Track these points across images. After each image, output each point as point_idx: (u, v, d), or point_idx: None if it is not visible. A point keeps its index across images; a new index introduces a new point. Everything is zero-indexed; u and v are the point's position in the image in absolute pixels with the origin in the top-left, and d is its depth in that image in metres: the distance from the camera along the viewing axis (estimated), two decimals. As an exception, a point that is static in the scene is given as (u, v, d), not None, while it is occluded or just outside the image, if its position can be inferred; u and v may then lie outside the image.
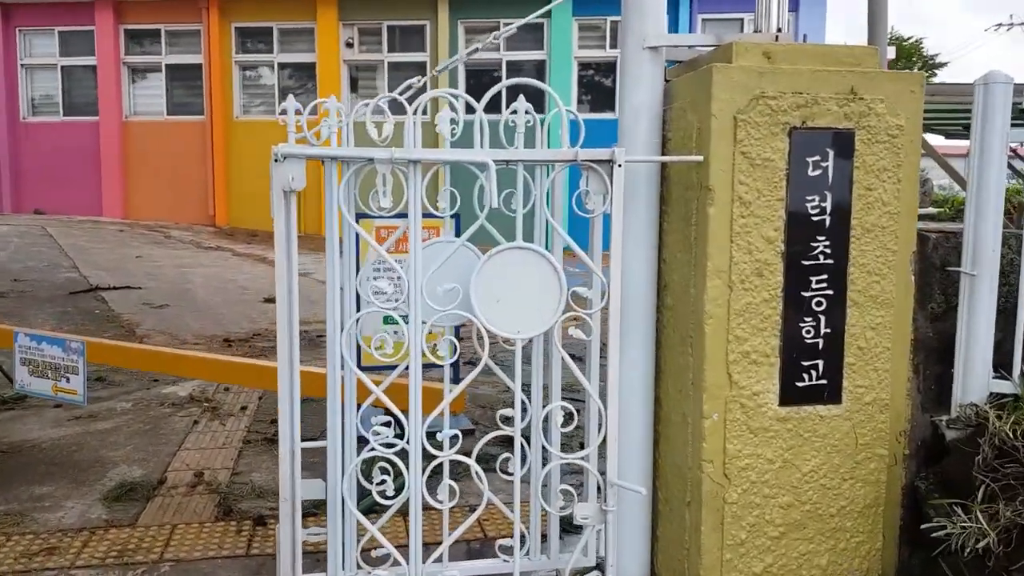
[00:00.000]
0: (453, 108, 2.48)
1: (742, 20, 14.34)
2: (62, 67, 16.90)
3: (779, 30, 2.53)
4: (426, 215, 2.61)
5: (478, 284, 2.50)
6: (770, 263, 2.42)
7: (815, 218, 2.43)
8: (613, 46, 15.06)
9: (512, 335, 2.55)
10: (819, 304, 2.49)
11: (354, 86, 16.22)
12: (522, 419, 2.59)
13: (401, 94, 2.58)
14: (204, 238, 14.27)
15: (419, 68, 15.52)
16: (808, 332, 2.51)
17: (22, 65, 16.98)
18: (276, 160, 2.44)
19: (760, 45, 2.37)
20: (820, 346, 2.52)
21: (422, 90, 2.61)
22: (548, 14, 14.99)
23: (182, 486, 3.90)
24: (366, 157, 2.44)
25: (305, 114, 2.50)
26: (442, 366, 2.58)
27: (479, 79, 15.41)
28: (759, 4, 2.58)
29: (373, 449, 2.65)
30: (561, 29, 15.11)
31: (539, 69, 15.45)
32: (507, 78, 14.83)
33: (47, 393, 4.69)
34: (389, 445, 2.66)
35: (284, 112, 2.49)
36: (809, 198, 2.41)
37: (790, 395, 2.54)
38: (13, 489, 3.83)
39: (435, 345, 2.61)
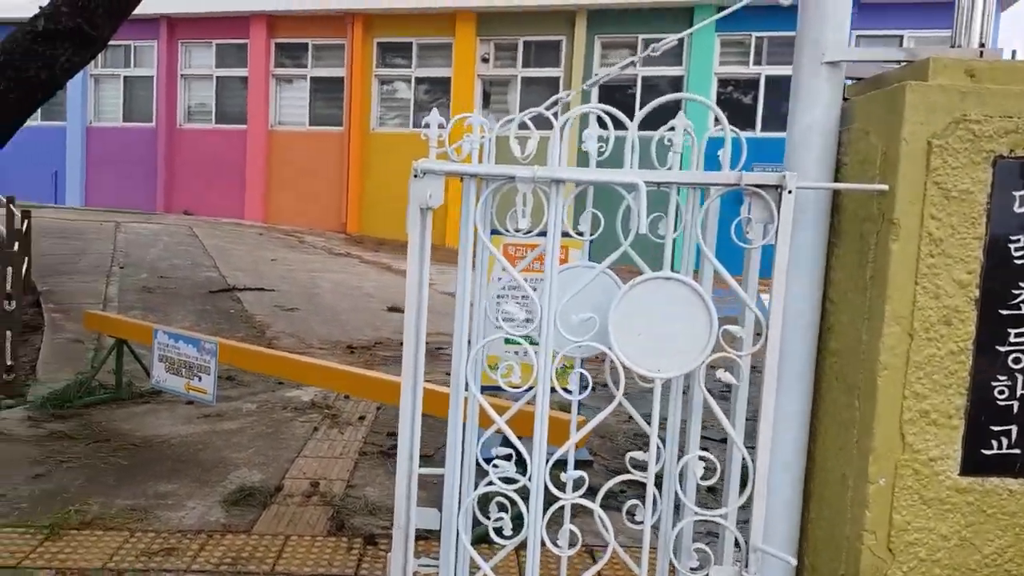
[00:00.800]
0: (603, 124, 2.30)
1: (901, 37, 13.45)
2: (217, 77, 18.02)
3: (982, 45, 2.19)
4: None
5: (617, 315, 2.29)
6: (961, 310, 2.09)
7: (1018, 261, 2.08)
8: (757, 62, 14.51)
9: (652, 373, 2.33)
10: (1017, 361, 2.13)
11: (486, 101, 16.41)
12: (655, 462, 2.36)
13: (548, 109, 2.42)
14: (335, 244, 14.76)
15: (552, 84, 15.52)
16: (1002, 392, 2.15)
17: (181, 75, 18.24)
18: (416, 176, 2.32)
19: (962, 62, 2.06)
20: (1015, 409, 2.15)
21: (568, 106, 2.44)
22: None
23: (298, 495, 3.88)
24: (507, 175, 2.29)
25: (447, 128, 2.39)
26: (562, 391, 2.39)
27: (612, 96, 15.22)
28: (958, 15, 2.25)
29: (491, 483, 2.49)
30: (702, 45, 14.67)
31: (675, 86, 15.08)
32: (643, 95, 14.64)
33: (180, 390, 4.84)
34: (508, 480, 2.49)
35: (426, 125, 2.38)
36: (1014, 238, 2.07)
37: (974, 464, 2.19)
38: (140, 484, 3.93)
39: (560, 369, 2.43)
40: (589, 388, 2.49)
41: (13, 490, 3.77)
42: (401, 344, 7.54)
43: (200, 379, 4.77)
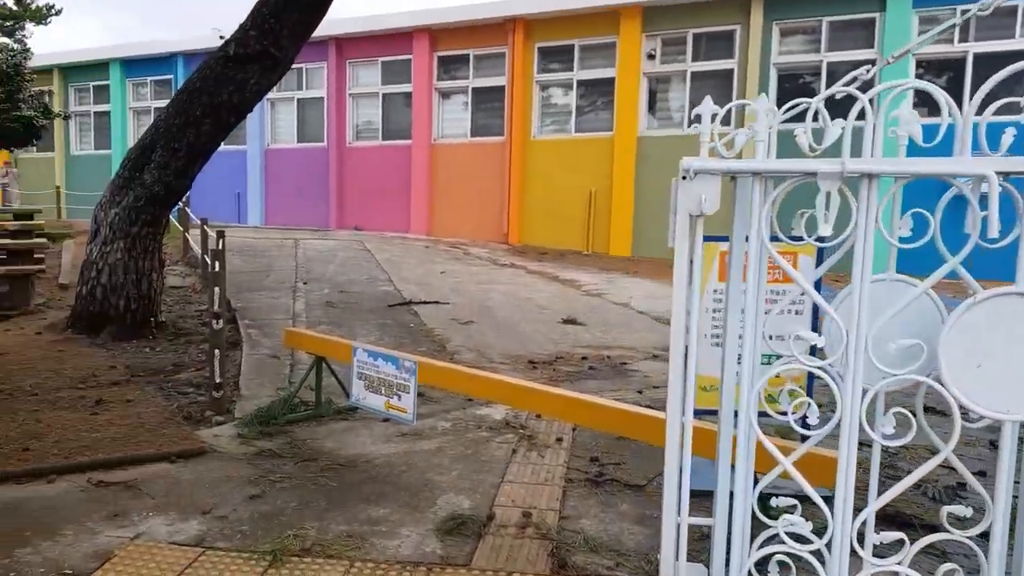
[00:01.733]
0: (930, 104, 1.84)
1: None
2: (383, 95, 18.62)
3: None
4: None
5: (952, 341, 1.83)
6: None
7: None
8: (963, 39, 13.06)
9: (999, 415, 1.85)
10: None
11: (652, 100, 15.86)
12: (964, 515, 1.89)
13: (841, 89, 2.00)
14: (499, 255, 14.76)
15: (725, 77, 14.76)
16: None
17: (350, 94, 19.00)
18: (685, 177, 1.97)
19: None
20: None
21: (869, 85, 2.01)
22: (882, 7, 13.42)
23: (511, 525, 3.63)
24: (805, 171, 1.89)
25: (718, 119, 2.02)
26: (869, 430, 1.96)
27: (789, 83, 14.21)
28: None
29: (774, 538, 2.10)
30: (897, 24, 13.36)
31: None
32: (827, 82, 13.54)
33: (380, 409, 4.76)
34: (798, 537, 2.09)
35: (696, 119, 2.02)
36: None
37: None
38: (351, 508, 3.82)
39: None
40: (911, 430, 2.04)
41: (233, 511, 3.77)
42: (583, 359, 7.21)
43: (400, 398, 4.66)
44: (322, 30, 17.97)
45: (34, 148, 22.57)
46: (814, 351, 2.04)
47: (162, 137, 7.75)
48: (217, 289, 5.30)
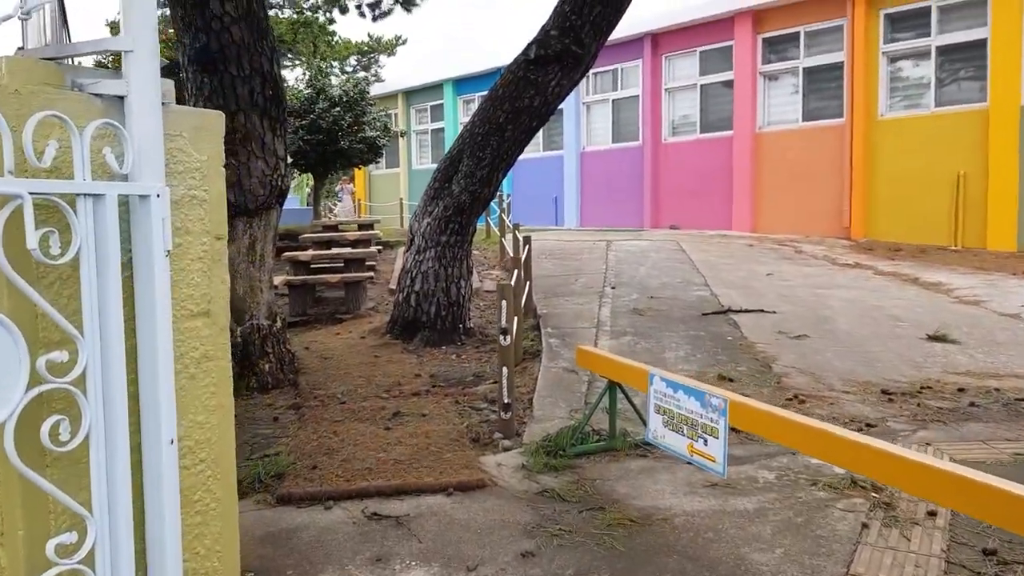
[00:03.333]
0: None
1: None
2: (700, 86, 17.48)
3: None
4: None
5: None
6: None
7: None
8: None
9: None
10: None
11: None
12: None
13: None
14: (838, 253, 12.81)
15: None
16: None
17: (665, 89, 18.15)
18: None
19: None
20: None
21: None
22: None
23: (864, 656, 2.50)
24: None
25: None
26: None
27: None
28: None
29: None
30: None
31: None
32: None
33: (681, 452, 3.85)
34: None
35: None
36: None
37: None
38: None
39: None
40: None
41: (500, 572, 3.15)
42: (959, 391, 5.19)
43: (706, 442, 3.70)
44: (636, 27, 17.59)
45: (381, 165, 25.35)
46: None
47: (468, 147, 7.66)
48: (505, 302, 4.79)
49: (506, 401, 4.84)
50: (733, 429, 3.68)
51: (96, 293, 2.00)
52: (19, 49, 2.21)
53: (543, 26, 7.39)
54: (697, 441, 3.74)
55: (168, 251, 2.19)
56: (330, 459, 4.45)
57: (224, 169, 2.55)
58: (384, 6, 14.81)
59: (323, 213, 20.91)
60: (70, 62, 2.25)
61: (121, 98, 2.15)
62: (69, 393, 1.94)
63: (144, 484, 2.24)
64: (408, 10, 14.41)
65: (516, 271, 6.31)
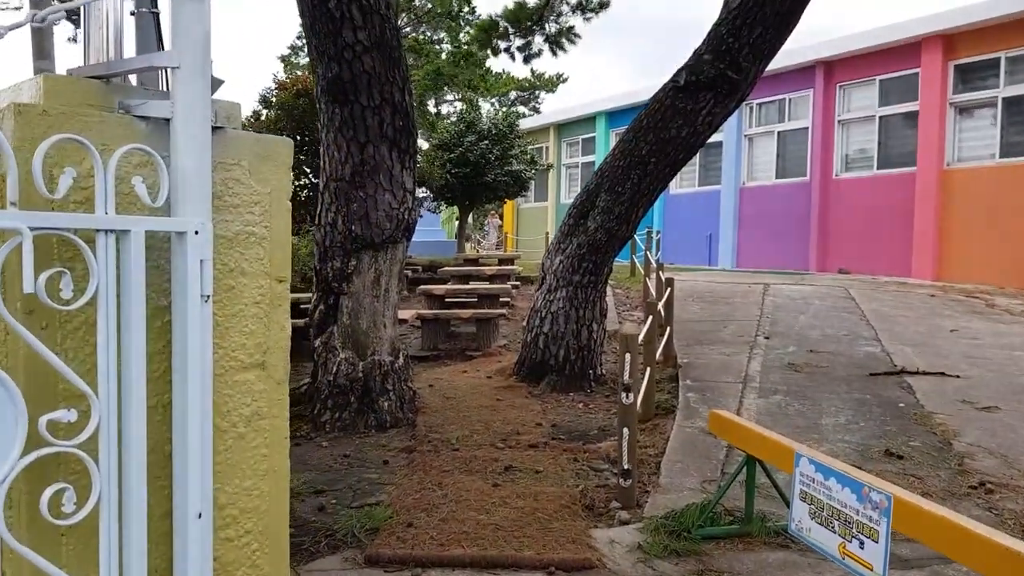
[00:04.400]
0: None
1: None
2: (879, 117, 16.07)
3: None
4: None
5: None
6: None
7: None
8: None
9: None
10: None
11: None
12: None
13: None
14: (1039, 310, 11.15)
15: None
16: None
17: (839, 121, 16.85)
18: None
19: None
20: None
21: None
22: None
23: None
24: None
25: None
26: None
27: None
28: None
29: None
30: None
31: None
32: None
33: (831, 552, 3.17)
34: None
35: None
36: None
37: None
38: None
39: None
40: None
41: None
42: None
43: (861, 545, 3.02)
44: (808, 55, 16.48)
45: (530, 198, 25.37)
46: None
47: (607, 181, 7.23)
48: (628, 355, 4.28)
49: (626, 467, 4.31)
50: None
51: (114, 343, 1.75)
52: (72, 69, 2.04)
53: (696, 50, 6.86)
54: (851, 542, 3.06)
55: (207, 296, 1.91)
56: (428, 517, 4.10)
57: (289, 203, 2.27)
58: (534, 48, 14.76)
59: (471, 245, 21.14)
60: (129, 82, 2.06)
61: (168, 121, 1.91)
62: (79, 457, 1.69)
63: (173, 561, 1.96)
64: (555, 54, 14.29)
65: (650, 317, 5.74)
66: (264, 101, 15.39)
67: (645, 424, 5.92)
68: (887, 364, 7.66)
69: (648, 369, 5.71)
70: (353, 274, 6.09)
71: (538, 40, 14.55)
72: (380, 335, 6.17)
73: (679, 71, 6.88)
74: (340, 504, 4.42)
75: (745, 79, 6.78)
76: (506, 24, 14.07)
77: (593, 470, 5.00)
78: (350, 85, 5.56)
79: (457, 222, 19.92)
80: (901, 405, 6.39)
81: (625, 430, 4.26)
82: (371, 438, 5.86)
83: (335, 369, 6.07)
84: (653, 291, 10.63)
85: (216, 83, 2.01)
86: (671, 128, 6.81)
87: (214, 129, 1.99)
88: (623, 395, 4.26)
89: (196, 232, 1.85)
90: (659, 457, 5.16)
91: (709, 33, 6.88)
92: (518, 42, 14.30)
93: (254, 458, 2.17)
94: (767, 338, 8.82)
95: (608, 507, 4.32)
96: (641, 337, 5.37)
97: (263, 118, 13.64)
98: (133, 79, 2.06)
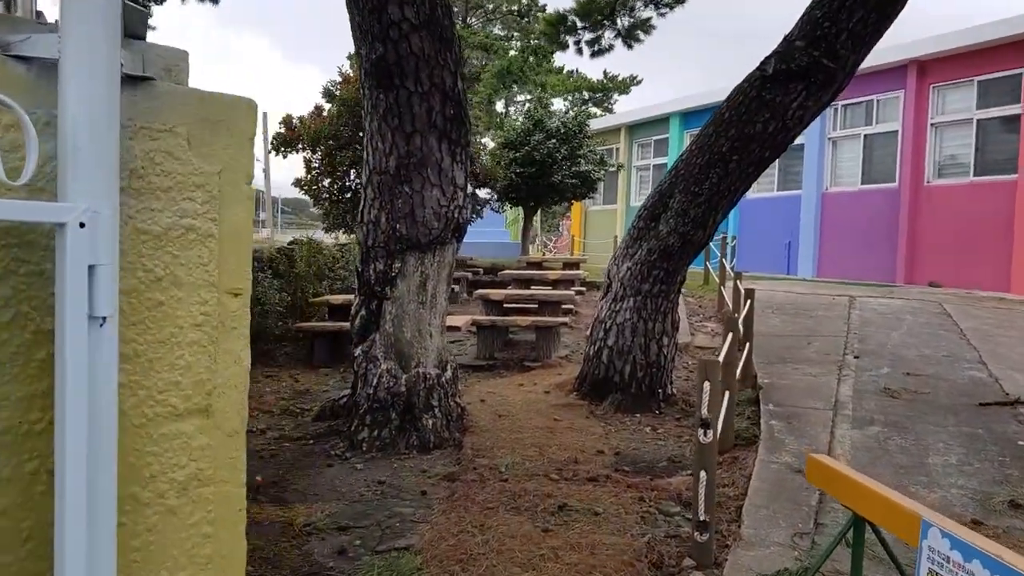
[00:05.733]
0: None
1: None
2: (977, 121, 14.77)
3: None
4: None
5: None
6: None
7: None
8: None
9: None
10: None
11: None
12: None
13: None
14: None
15: None
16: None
17: (931, 124, 15.59)
18: None
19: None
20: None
21: None
22: None
23: None
24: None
25: None
26: None
27: None
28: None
29: None
30: None
31: None
32: None
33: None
34: None
35: None
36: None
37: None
38: None
39: None
40: None
41: None
42: None
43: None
44: (899, 53, 15.24)
45: (599, 200, 24.55)
46: None
47: (681, 181, 6.47)
48: (708, 385, 3.55)
49: (702, 518, 3.58)
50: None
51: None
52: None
53: (786, 36, 6.07)
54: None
55: (102, 317, 1.31)
56: (465, 570, 3.47)
57: (251, 188, 1.66)
58: (604, 42, 14.00)
59: (537, 247, 20.47)
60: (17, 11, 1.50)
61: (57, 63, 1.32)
62: None
63: None
64: (629, 46, 13.49)
65: (730, 334, 4.98)
66: (327, 94, 15.04)
67: (723, 456, 5.16)
68: (996, 392, 6.69)
69: (727, 394, 4.96)
70: (397, 277, 5.52)
71: (608, 35, 13.82)
72: (425, 345, 5.59)
73: (767, 59, 6.10)
74: (364, 546, 3.82)
75: (842, 69, 5.95)
76: (575, 18, 13.41)
77: (662, 514, 4.28)
78: (396, 68, 4.99)
79: (522, 223, 19.32)
80: (1021, 443, 5.46)
81: (703, 473, 3.54)
82: (411, 460, 5.27)
83: (375, 381, 5.51)
84: (729, 301, 9.79)
85: (134, 14, 1.41)
86: (756, 122, 6.03)
87: (131, 79, 1.40)
88: (700, 432, 3.54)
89: (81, 224, 1.24)
90: (740, 500, 4.40)
91: (802, 17, 6.08)
92: (587, 36, 13.61)
93: (191, 539, 1.56)
94: (856, 357, 7.90)
95: (680, 565, 3.60)
96: (721, 357, 4.63)
97: (325, 112, 13.26)
98: (23, 8, 1.50)
